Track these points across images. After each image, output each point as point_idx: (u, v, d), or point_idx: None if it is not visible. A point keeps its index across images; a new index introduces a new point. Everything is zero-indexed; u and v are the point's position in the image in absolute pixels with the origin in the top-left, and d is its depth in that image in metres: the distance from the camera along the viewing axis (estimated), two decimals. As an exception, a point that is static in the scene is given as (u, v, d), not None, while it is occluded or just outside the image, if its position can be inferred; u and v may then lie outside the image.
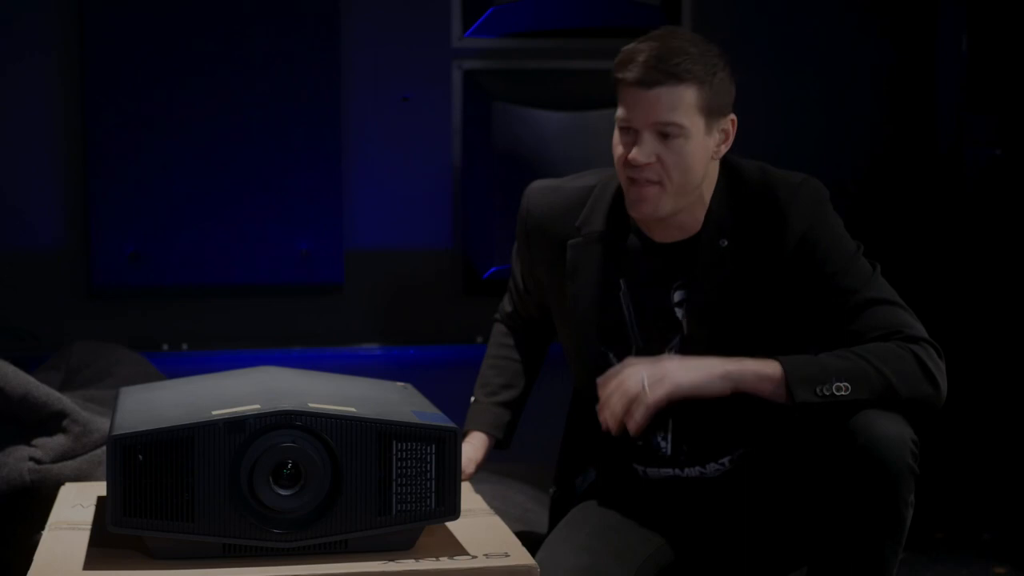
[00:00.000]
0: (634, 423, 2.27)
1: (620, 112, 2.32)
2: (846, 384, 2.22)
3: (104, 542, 2.09)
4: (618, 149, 2.33)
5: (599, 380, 2.34)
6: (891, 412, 2.23)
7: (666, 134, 2.28)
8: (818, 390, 2.23)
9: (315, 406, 2.05)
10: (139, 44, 4.12)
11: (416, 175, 4.35)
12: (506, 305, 2.70)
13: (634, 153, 2.29)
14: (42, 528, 2.24)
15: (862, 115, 4.56)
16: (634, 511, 2.46)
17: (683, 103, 2.28)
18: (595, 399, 2.36)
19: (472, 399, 2.64)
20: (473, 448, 2.55)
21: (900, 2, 4.55)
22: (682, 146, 2.29)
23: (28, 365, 3.13)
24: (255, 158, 4.18)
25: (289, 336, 4.28)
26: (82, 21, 4.11)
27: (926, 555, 3.81)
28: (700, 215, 2.37)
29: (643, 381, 2.26)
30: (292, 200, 4.21)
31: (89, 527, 2.21)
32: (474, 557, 2.10)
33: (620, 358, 2.39)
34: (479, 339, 4.20)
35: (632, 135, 2.31)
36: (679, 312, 2.39)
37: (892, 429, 2.19)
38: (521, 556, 2.12)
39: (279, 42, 4.19)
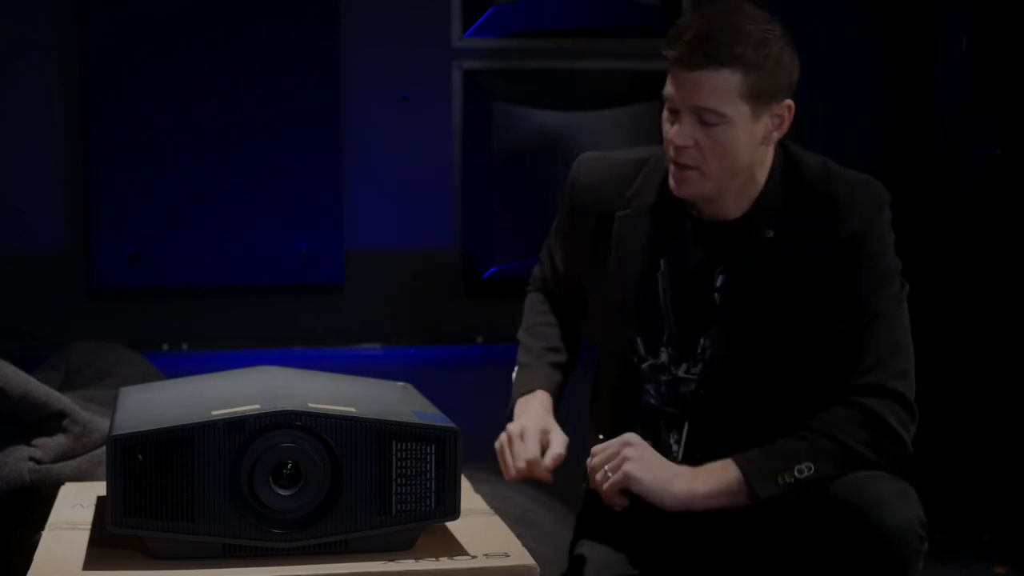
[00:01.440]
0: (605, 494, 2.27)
1: (666, 88, 2.24)
2: (807, 464, 2.17)
3: (104, 542, 2.09)
4: (664, 126, 2.26)
5: (595, 449, 2.30)
6: (895, 483, 2.17)
7: (706, 120, 2.20)
8: (780, 479, 2.18)
9: (315, 406, 2.05)
10: (139, 44, 4.12)
11: (416, 175, 4.35)
12: (538, 276, 2.62)
13: (673, 133, 2.22)
14: (42, 528, 2.24)
15: (862, 115, 4.56)
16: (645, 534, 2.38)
17: (725, 89, 2.18)
18: (620, 387, 2.35)
19: (517, 368, 2.54)
20: (546, 410, 2.43)
21: (900, 2, 4.55)
22: (722, 133, 2.20)
23: (28, 365, 3.13)
24: (255, 158, 4.18)
25: (289, 336, 4.28)
26: (82, 21, 4.11)
27: (926, 555, 3.81)
28: (750, 197, 2.29)
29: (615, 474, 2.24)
30: (292, 200, 4.21)
31: (89, 527, 2.21)
32: (474, 557, 2.10)
33: (649, 345, 2.34)
34: (479, 339, 4.20)
35: (675, 114, 2.23)
36: (718, 298, 2.31)
37: (899, 517, 2.12)
38: (521, 556, 2.12)
39: (279, 42, 4.19)
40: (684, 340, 2.32)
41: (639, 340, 2.36)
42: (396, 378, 2.47)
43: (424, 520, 2.09)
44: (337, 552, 2.06)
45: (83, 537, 2.16)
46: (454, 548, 2.13)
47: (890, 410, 2.23)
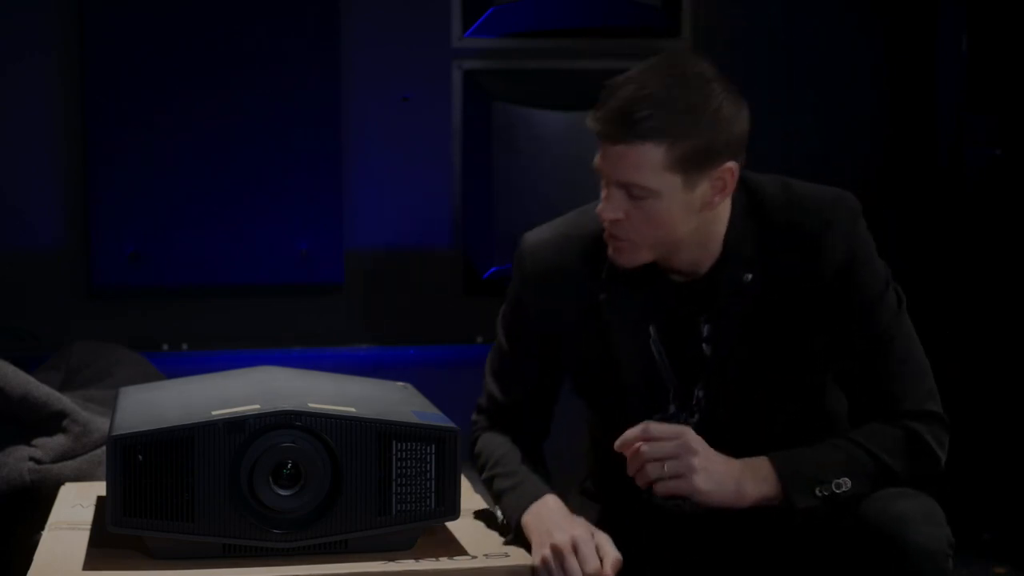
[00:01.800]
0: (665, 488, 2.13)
1: (595, 157, 2.14)
2: (845, 480, 2.13)
3: (104, 542, 2.09)
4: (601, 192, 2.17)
5: (654, 430, 2.13)
6: (922, 500, 2.14)
7: (633, 194, 2.09)
8: (818, 491, 2.13)
9: (315, 406, 2.05)
10: (139, 44, 4.12)
11: (416, 175, 4.34)
12: (486, 406, 2.41)
13: (602, 207, 2.13)
14: (42, 528, 2.24)
15: (862, 115, 4.56)
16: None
17: (649, 163, 2.06)
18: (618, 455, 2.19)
19: (499, 496, 2.30)
20: (574, 515, 2.20)
21: (900, 2, 4.55)
22: (652, 207, 2.09)
23: (28, 365, 3.13)
24: (255, 158, 4.18)
25: (289, 336, 4.27)
26: (82, 21, 4.11)
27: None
28: (714, 249, 2.20)
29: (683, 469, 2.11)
30: (292, 200, 4.21)
31: (89, 527, 2.21)
32: (474, 557, 2.10)
33: (656, 404, 2.27)
34: (479, 339, 4.20)
35: (604, 185, 2.14)
36: (707, 348, 2.25)
37: (927, 537, 2.08)
38: (521, 556, 2.12)
39: (279, 42, 4.19)
40: (684, 393, 2.28)
41: (643, 404, 2.30)
42: (396, 378, 2.47)
43: (424, 520, 2.09)
44: (337, 552, 2.07)
45: (83, 537, 2.16)
46: (454, 548, 2.13)
47: (932, 433, 2.22)
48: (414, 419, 2.10)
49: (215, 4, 4.16)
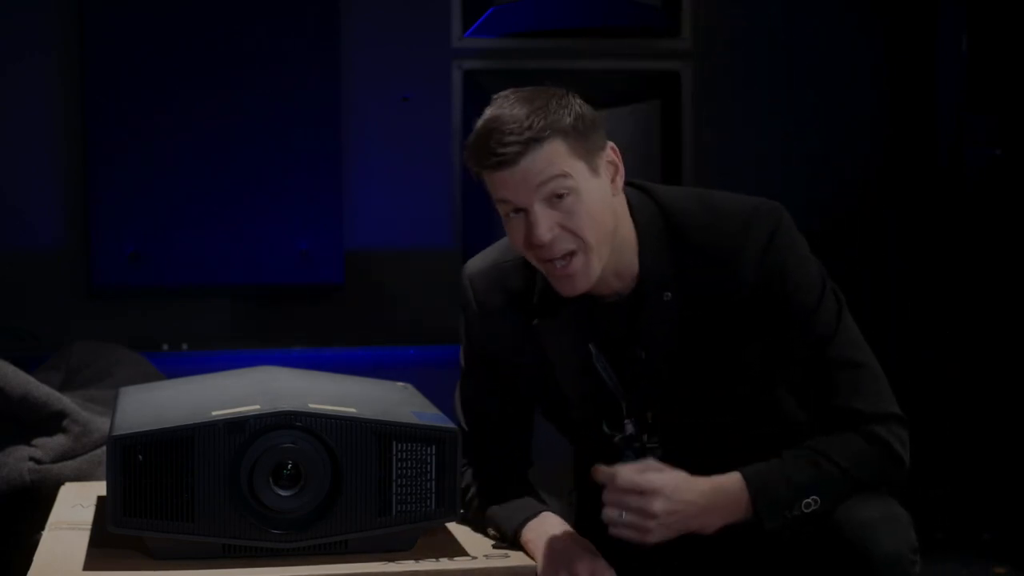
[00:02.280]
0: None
1: (500, 202, 2.16)
2: (815, 498, 2.13)
3: (104, 542, 2.09)
4: (518, 238, 2.16)
5: (620, 474, 2.12)
6: (887, 506, 2.14)
7: (558, 194, 2.12)
8: (787, 513, 2.13)
9: (315, 406, 2.05)
10: (139, 44, 4.12)
11: (416, 175, 4.35)
12: (466, 445, 2.29)
13: (535, 233, 2.13)
14: (42, 528, 2.24)
15: (862, 115, 4.56)
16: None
17: (557, 155, 2.11)
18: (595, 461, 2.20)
19: (492, 519, 2.26)
20: (580, 538, 2.19)
21: (900, 2, 4.55)
22: (576, 202, 2.12)
23: (28, 365, 3.13)
24: (255, 158, 4.18)
25: (289, 336, 4.28)
26: (82, 21, 4.11)
27: (926, 555, 3.81)
28: (633, 258, 2.23)
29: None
30: (292, 200, 4.21)
31: (89, 527, 2.21)
32: (474, 558, 2.10)
33: (613, 424, 2.28)
34: (479, 339, 4.20)
35: (523, 216, 2.14)
36: (644, 368, 2.25)
37: (891, 544, 2.09)
38: (521, 557, 2.12)
39: (279, 42, 4.19)
40: (638, 414, 2.29)
41: (603, 423, 2.30)
42: (396, 378, 2.47)
43: (424, 521, 2.09)
44: (337, 552, 2.07)
45: (83, 537, 2.16)
46: (454, 549, 2.13)
47: (894, 435, 2.20)
48: (414, 419, 2.10)
49: (215, 4, 4.16)
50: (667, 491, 2.10)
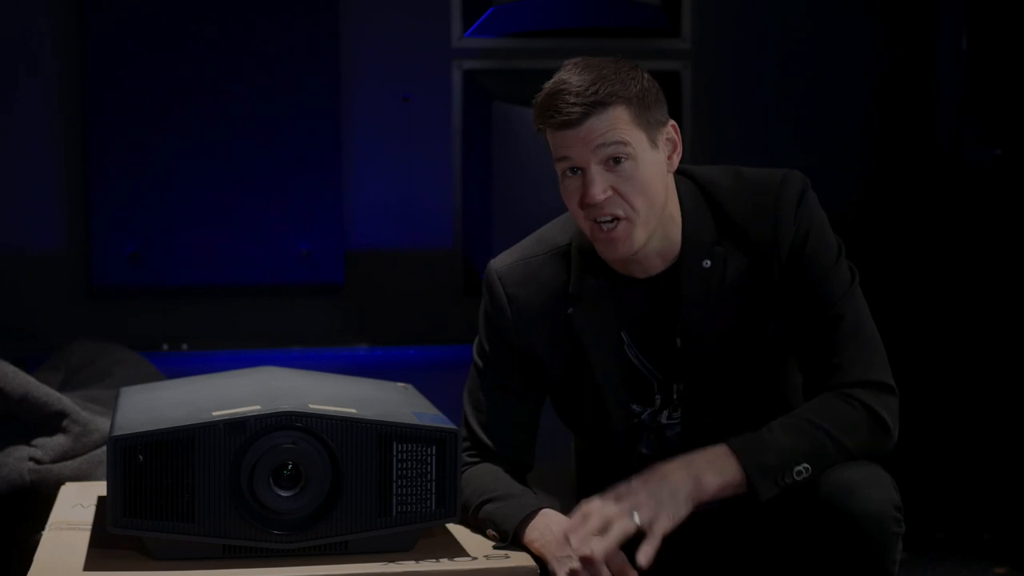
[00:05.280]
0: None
1: (559, 160, 2.24)
2: (805, 466, 2.17)
3: (104, 542, 2.09)
4: (572, 198, 2.23)
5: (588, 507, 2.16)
6: (868, 467, 2.17)
7: (616, 158, 2.19)
8: (779, 481, 2.16)
9: (315, 407, 2.05)
10: (139, 44, 4.12)
11: (416, 175, 4.35)
12: (465, 436, 2.36)
13: (589, 192, 2.20)
14: (42, 528, 2.24)
15: (862, 115, 4.56)
16: None
17: (620, 120, 2.19)
18: (614, 460, 2.29)
19: (488, 513, 2.25)
20: (562, 518, 2.20)
21: (900, 2, 4.55)
22: (632, 169, 2.20)
23: (28, 365, 3.13)
24: (255, 158, 4.18)
25: (289, 336, 4.28)
26: (82, 21, 4.11)
27: (926, 555, 3.81)
28: (676, 236, 2.29)
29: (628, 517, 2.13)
30: (292, 200, 4.21)
31: (89, 527, 2.21)
32: (474, 558, 2.10)
33: (643, 399, 2.34)
34: (479, 339, 4.21)
35: (580, 176, 2.21)
36: (679, 342, 2.31)
37: (874, 502, 2.12)
38: (521, 557, 2.12)
39: (279, 41, 4.19)
40: (666, 387, 2.35)
41: (634, 406, 2.36)
42: (396, 378, 2.47)
43: (424, 521, 2.09)
44: (337, 553, 2.07)
45: (83, 537, 2.16)
46: (454, 549, 2.13)
47: (885, 405, 2.24)
48: (414, 420, 2.10)
49: (215, 4, 4.16)
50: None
